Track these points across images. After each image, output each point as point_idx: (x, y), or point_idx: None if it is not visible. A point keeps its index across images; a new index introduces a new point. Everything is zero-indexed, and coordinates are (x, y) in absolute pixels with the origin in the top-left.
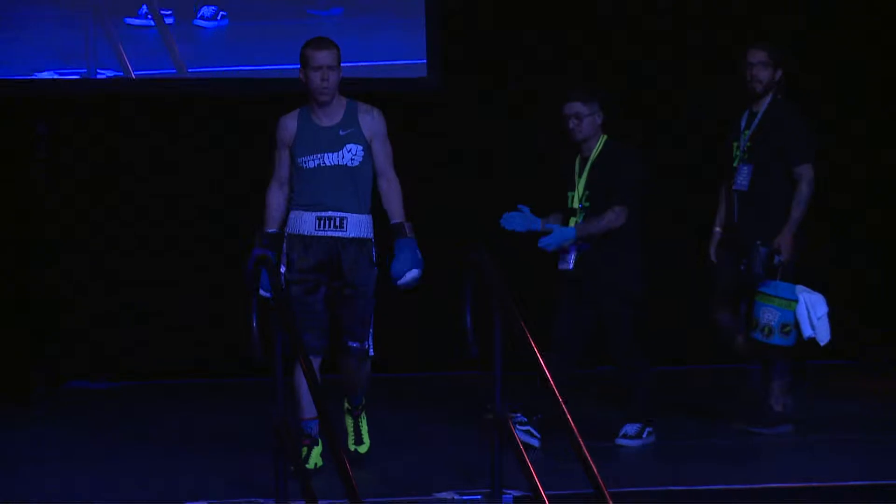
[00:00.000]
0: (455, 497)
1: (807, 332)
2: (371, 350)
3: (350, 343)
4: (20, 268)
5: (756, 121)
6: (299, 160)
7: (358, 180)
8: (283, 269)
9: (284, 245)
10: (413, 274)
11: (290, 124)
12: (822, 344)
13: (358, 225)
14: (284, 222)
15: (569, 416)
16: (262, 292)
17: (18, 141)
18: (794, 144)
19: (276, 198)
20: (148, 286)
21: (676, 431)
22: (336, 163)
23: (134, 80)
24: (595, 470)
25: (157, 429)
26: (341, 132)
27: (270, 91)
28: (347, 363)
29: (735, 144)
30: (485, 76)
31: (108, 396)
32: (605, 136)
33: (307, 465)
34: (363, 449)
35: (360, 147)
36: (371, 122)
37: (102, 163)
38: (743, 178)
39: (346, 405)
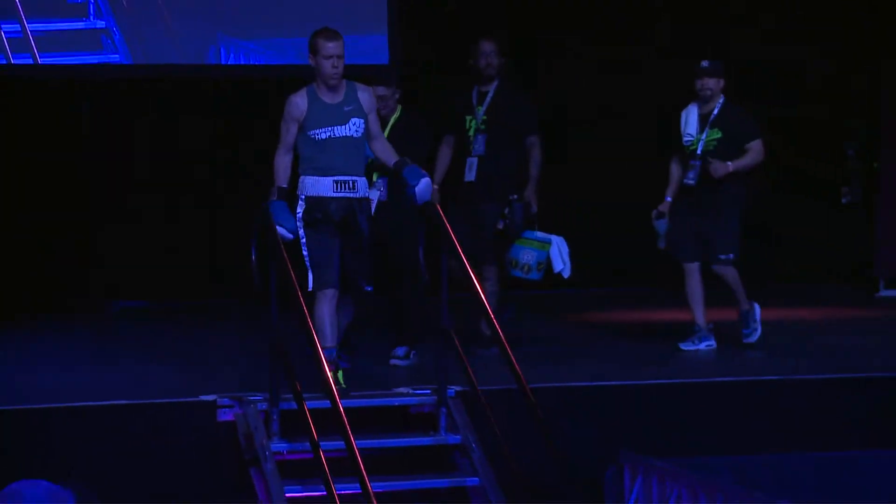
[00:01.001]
0: (409, 391)
1: (557, 266)
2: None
3: (367, 287)
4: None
5: (488, 99)
6: (311, 132)
7: (359, 148)
8: (300, 223)
9: (303, 205)
10: (427, 180)
11: (300, 102)
12: (565, 276)
13: (364, 186)
14: (294, 182)
15: (499, 330)
16: (286, 234)
17: (57, 119)
18: (524, 119)
19: (283, 161)
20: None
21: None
22: (345, 134)
23: (165, 66)
24: (519, 370)
25: (174, 341)
26: (346, 108)
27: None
28: (352, 304)
29: (469, 118)
30: (440, 70)
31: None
32: (400, 107)
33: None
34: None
35: (361, 120)
36: (368, 99)
37: (120, 139)
38: (479, 146)
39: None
